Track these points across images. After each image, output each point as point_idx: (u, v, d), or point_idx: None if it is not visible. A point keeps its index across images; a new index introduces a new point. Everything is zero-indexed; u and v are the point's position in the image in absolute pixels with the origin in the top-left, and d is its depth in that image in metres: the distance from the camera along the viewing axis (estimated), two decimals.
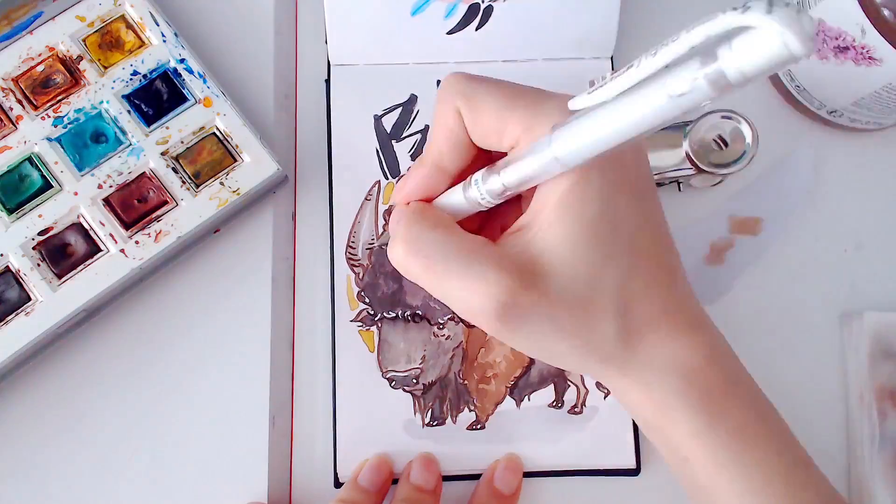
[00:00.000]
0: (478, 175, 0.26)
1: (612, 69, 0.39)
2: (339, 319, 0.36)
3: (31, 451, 0.34)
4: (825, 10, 0.34)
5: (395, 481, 0.34)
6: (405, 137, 0.38)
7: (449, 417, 0.35)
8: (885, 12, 0.31)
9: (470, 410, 0.35)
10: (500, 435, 0.35)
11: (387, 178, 0.37)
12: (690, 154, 0.35)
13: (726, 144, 0.35)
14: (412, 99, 0.38)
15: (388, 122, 0.38)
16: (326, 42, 0.38)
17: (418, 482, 0.34)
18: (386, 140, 0.38)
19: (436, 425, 0.35)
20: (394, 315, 0.36)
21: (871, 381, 0.35)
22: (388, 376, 0.35)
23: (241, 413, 0.35)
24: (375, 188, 0.37)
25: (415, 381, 0.36)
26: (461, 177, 0.27)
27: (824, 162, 0.39)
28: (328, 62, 0.38)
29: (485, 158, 0.27)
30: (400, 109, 0.38)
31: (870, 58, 0.33)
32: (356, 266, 0.36)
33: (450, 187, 0.27)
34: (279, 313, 0.36)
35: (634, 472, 0.35)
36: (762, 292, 0.38)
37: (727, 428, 0.25)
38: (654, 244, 0.26)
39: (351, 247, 0.36)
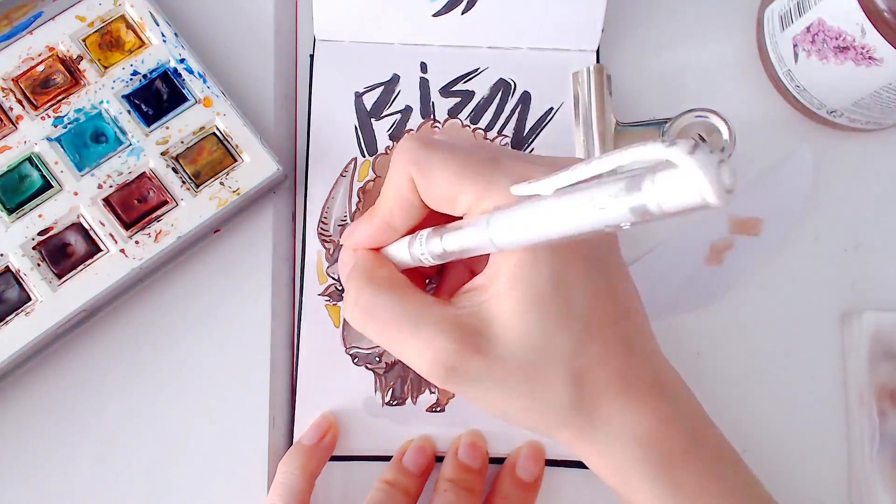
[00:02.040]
0: (423, 234, 0.26)
1: (598, 60, 0.39)
2: (306, 292, 0.36)
3: (31, 451, 0.34)
4: (825, 10, 0.34)
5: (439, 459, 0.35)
6: (385, 116, 0.38)
7: (409, 398, 0.35)
8: (885, 12, 0.31)
9: (431, 392, 0.36)
10: (459, 418, 0.35)
11: (363, 156, 0.37)
12: None
13: (705, 143, 0.35)
14: (394, 79, 0.38)
15: (369, 101, 0.38)
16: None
17: (466, 461, 0.34)
18: (365, 118, 0.38)
19: (395, 405, 0.35)
20: None
21: (871, 381, 0.35)
22: (351, 352, 0.36)
23: (241, 413, 0.35)
24: (352, 165, 0.37)
25: (377, 359, 0.36)
26: (413, 230, 0.28)
27: (824, 162, 0.39)
28: (314, 37, 0.38)
29: (440, 216, 0.27)
30: (381, 88, 0.38)
31: (870, 58, 0.33)
32: (327, 241, 0.36)
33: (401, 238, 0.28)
34: (279, 313, 0.36)
35: None
36: (762, 292, 0.38)
37: (688, 493, 0.25)
38: (610, 311, 0.26)
39: (323, 222, 0.37)
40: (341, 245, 0.30)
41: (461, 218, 0.26)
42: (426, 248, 0.26)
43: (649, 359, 0.27)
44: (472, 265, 0.30)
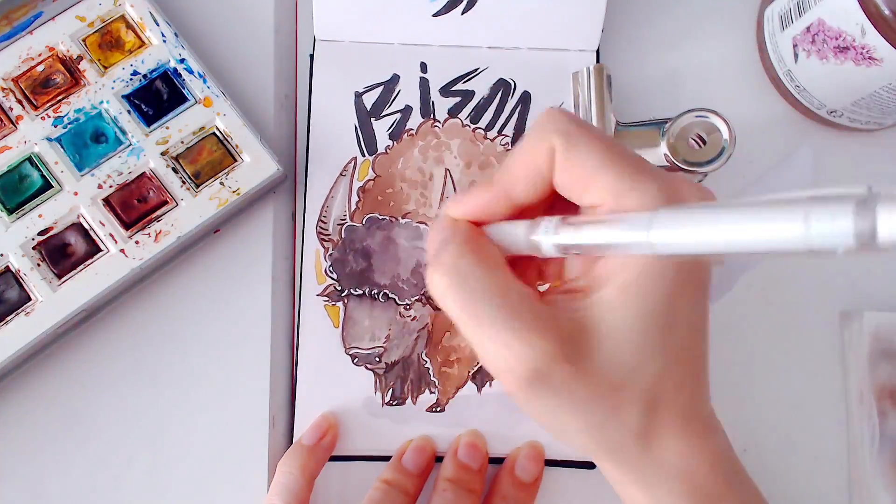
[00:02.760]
0: (549, 222, 0.24)
1: (598, 60, 0.39)
2: (305, 292, 0.36)
3: (31, 451, 0.34)
4: (825, 10, 0.34)
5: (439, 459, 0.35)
6: (385, 116, 0.38)
7: (409, 398, 0.35)
8: (886, 12, 0.31)
9: (431, 392, 0.36)
10: (458, 419, 0.35)
11: (363, 155, 0.37)
12: (668, 153, 0.35)
13: (705, 143, 0.35)
14: (394, 78, 0.38)
15: (369, 100, 0.38)
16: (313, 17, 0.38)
17: (465, 461, 0.34)
18: (365, 117, 0.38)
19: (395, 405, 0.35)
20: (361, 292, 0.36)
21: (871, 381, 0.35)
22: (350, 352, 0.36)
23: (241, 413, 0.35)
24: (351, 164, 0.37)
25: (377, 359, 0.36)
26: (523, 213, 0.26)
27: (824, 162, 0.39)
28: (314, 37, 0.38)
29: (551, 203, 0.26)
30: (381, 88, 0.38)
31: (870, 58, 0.33)
32: (326, 241, 0.36)
33: (508, 219, 0.26)
34: (279, 313, 0.36)
35: (591, 465, 0.35)
36: (762, 292, 0.38)
37: None
38: (694, 347, 0.25)
39: (322, 221, 0.37)
40: (437, 218, 0.27)
41: (576, 210, 0.24)
42: (553, 239, 0.23)
43: (707, 399, 0.26)
44: (544, 266, 0.28)
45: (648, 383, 0.24)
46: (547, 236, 0.24)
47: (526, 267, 0.28)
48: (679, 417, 0.24)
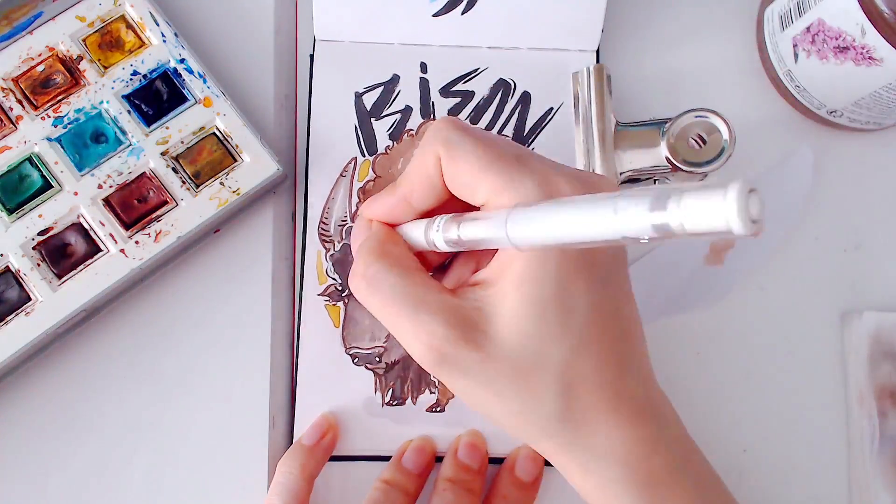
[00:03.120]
0: (441, 219, 0.26)
1: (598, 60, 0.39)
2: (306, 292, 0.36)
3: (31, 451, 0.34)
4: (825, 10, 0.34)
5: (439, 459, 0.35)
6: (385, 116, 0.38)
7: (409, 398, 0.35)
8: (886, 12, 0.31)
9: (431, 392, 0.36)
10: (458, 418, 0.35)
11: (364, 156, 0.37)
12: (668, 153, 0.35)
13: (705, 143, 0.35)
14: (394, 79, 0.38)
15: (369, 101, 0.38)
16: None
17: (465, 461, 0.34)
18: (365, 117, 0.38)
19: (395, 405, 0.35)
20: None
21: (871, 381, 0.35)
22: (351, 352, 0.36)
23: (241, 413, 0.35)
24: (352, 165, 0.37)
25: (378, 359, 0.36)
26: (430, 213, 0.28)
27: (824, 162, 0.39)
28: (314, 37, 0.38)
29: (458, 204, 0.27)
30: (381, 88, 0.38)
31: (870, 58, 0.33)
32: (327, 241, 0.36)
33: (417, 218, 0.28)
34: (279, 313, 0.36)
35: None
36: (762, 292, 0.38)
37: None
38: (609, 329, 0.26)
39: (324, 222, 0.37)
40: (357, 215, 0.30)
41: (478, 209, 0.26)
42: (442, 234, 0.26)
43: (641, 381, 0.27)
44: (479, 260, 0.29)
45: (558, 366, 0.25)
46: (437, 233, 0.26)
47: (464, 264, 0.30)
48: (604, 400, 0.25)
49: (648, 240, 0.18)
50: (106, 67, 0.36)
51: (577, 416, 0.25)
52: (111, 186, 0.34)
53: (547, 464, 0.35)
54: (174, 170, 0.35)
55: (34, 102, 0.35)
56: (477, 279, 0.27)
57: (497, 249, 0.26)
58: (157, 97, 0.35)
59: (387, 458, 0.34)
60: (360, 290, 0.27)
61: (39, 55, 0.35)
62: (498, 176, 0.25)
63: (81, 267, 0.33)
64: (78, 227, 0.34)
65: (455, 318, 0.25)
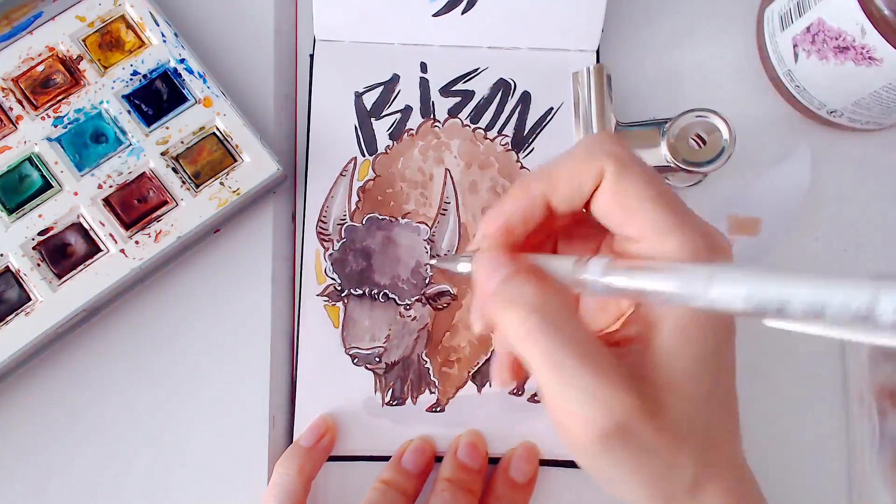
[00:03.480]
0: (599, 262, 0.23)
1: (598, 60, 0.39)
2: (305, 293, 0.36)
3: (31, 451, 0.34)
4: (825, 10, 0.34)
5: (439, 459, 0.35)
6: (385, 116, 0.38)
7: (409, 398, 0.35)
8: (886, 12, 0.31)
9: (431, 392, 0.36)
10: (458, 418, 0.35)
11: (363, 155, 0.37)
12: (667, 153, 0.35)
13: (705, 143, 0.35)
14: (394, 78, 0.38)
15: (369, 100, 0.38)
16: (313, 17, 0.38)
17: (465, 460, 0.34)
18: (365, 117, 0.38)
19: (395, 405, 0.35)
20: (361, 292, 0.36)
21: (871, 381, 0.35)
22: (350, 353, 0.36)
23: (241, 413, 0.35)
24: (351, 164, 0.37)
25: (377, 359, 0.36)
26: (533, 238, 0.25)
27: (824, 162, 0.39)
28: (314, 37, 0.38)
29: (581, 228, 0.26)
30: (381, 88, 0.38)
31: (870, 58, 0.33)
32: (326, 241, 0.36)
33: (535, 238, 0.25)
34: (279, 313, 0.36)
35: None
36: None
37: None
38: (732, 391, 0.25)
39: (322, 221, 0.37)
40: (478, 247, 0.26)
41: (591, 235, 0.25)
42: (604, 278, 0.23)
43: (740, 445, 0.26)
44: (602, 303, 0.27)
45: (703, 432, 0.23)
46: (596, 277, 0.23)
47: None
48: (724, 468, 0.24)
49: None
50: (106, 67, 0.36)
51: (702, 484, 0.24)
52: (111, 186, 0.34)
53: (543, 463, 0.35)
54: (174, 170, 0.35)
55: (34, 102, 0.35)
56: (628, 335, 0.24)
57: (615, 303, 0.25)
58: (157, 97, 0.35)
59: (386, 459, 0.34)
60: (520, 328, 0.23)
61: (39, 55, 0.35)
62: (666, 215, 0.23)
63: (81, 267, 0.33)
64: (78, 227, 0.34)
65: (633, 383, 0.22)
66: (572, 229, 0.27)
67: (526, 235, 0.25)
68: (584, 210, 0.25)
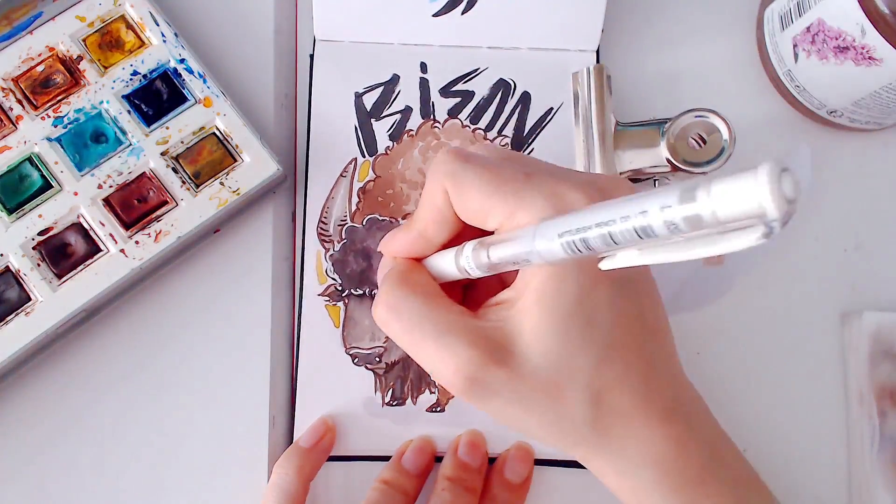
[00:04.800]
0: (468, 247, 0.26)
1: (598, 60, 0.39)
2: (306, 293, 0.36)
3: (31, 451, 0.34)
4: (825, 10, 0.34)
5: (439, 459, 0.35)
6: (385, 116, 0.38)
7: (409, 398, 0.35)
8: (885, 12, 0.31)
9: (431, 392, 0.36)
10: (459, 418, 0.35)
11: (364, 156, 0.37)
12: (667, 153, 0.35)
13: (704, 143, 0.35)
14: (394, 79, 0.38)
15: (369, 101, 0.38)
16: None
17: (465, 459, 0.34)
18: (365, 118, 0.38)
19: (395, 405, 0.35)
20: (361, 292, 0.36)
21: (871, 381, 0.35)
22: (351, 352, 0.36)
23: (241, 413, 0.35)
24: (352, 165, 0.37)
25: (378, 359, 0.36)
26: (447, 245, 0.28)
27: (824, 162, 0.39)
28: (314, 37, 0.38)
29: (474, 231, 0.28)
30: (381, 88, 0.38)
31: (870, 58, 0.33)
32: (327, 241, 0.36)
33: (437, 251, 0.28)
34: (279, 313, 0.36)
35: None
36: (762, 292, 0.38)
37: None
38: (635, 332, 0.26)
39: (323, 222, 0.37)
40: (380, 252, 0.31)
41: (492, 233, 0.26)
42: (472, 260, 0.26)
43: (670, 380, 0.27)
44: (505, 279, 0.29)
45: (586, 376, 0.25)
46: (467, 261, 0.26)
47: (479, 291, 0.30)
48: (632, 404, 0.25)
49: (680, 234, 0.17)
50: (106, 67, 0.36)
51: (608, 422, 0.25)
52: (111, 186, 0.34)
53: (539, 463, 0.35)
54: (174, 170, 0.35)
55: (34, 102, 0.35)
56: (499, 299, 0.26)
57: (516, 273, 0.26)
58: (157, 97, 0.35)
59: (386, 458, 0.34)
60: (381, 317, 0.27)
61: (39, 55, 0.35)
62: (505, 200, 0.25)
63: (81, 267, 0.33)
64: (78, 227, 0.34)
65: (479, 339, 0.25)
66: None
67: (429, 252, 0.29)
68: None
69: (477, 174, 0.26)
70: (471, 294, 0.31)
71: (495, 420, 0.27)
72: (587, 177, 0.26)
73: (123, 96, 0.35)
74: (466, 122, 0.38)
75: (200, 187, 0.35)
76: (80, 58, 0.36)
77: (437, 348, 0.25)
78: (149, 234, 0.34)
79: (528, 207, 0.25)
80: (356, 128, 0.38)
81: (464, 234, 0.28)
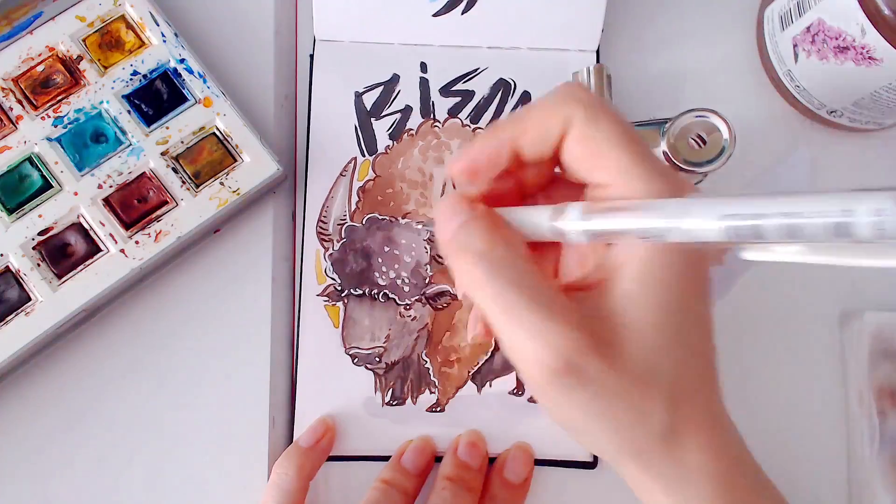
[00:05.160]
0: (575, 209, 0.23)
1: (598, 60, 0.39)
2: (305, 293, 0.36)
3: (31, 451, 0.34)
4: (825, 10, 0.34)
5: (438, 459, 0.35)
6: (385, 116, 0.38)
7: (409, 398, 0.36)
8: (886, 12, 0.31)
9: (431, 392, 0.36)
10: (458, 418, 0.35)
11: (363, 156, 0.37)
12: (668, 152, 0.35)
13: (704, 143, 0.35)
14: (394, 78, 0.38)
15: (369, 100, 0.38)
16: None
17: (465, 459, 0.34)
18: (365, 117, 0.38)
19: (395, 405, 0.35)
20: (361, 292, 0.36)
21: (871, 381, 0.35)
22: (350, 352, 0.36)
23: (241, 413, 0.35)
24: (352, 164, 0.37)
25: (377, 359, 0.36)
26: (499, 198, 0.25)
27: (824, 162, 0.39)
28: (314, 37, 0.38)
29: (541, 178, 0.26)
30: (381, 88, 0.38)
31: (870, 58, 0.33)
32: (326, 241, 0.36)
33: (507, 198, 0.25)
34: (279, 313, 0.36)
35: (591, 465, 0.35)
36: (762, 292, 0.38)
37: None
38: (706, 340, 0.24)
39: (322, 221, 0.37)
40: (444, 195, 0.27)
41: (580, 188, 0.24)
42: (582, 223, 0.23)
43: (721, 397, 0.25)
44: (584, 251, 0.26)
45: (671, 379, 0.23)
46: (574, 222, 0.23)
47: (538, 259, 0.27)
48: (699, 415, 0.24)
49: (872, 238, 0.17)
50: (106, 67, 0.36)
51: (679, 429, 0.23)
52: (111, 186, 0.34)
53: (539, 463, 0.35)
54: (174, 170, 0.35)
55: (34, 102, 0.35)
56: (590, 280, 0.24)
57: (605, 247, 0.24)
58: (157, 97, 0.35)
59: (386, 458, 0.34)
60: (465, 269, 0.23)
61: (39, 55, 0.35)
62: (632, 159, 0.23)
63: (81, 267, 0.33)
64: (78, 227, 0.34)
65: (584, 322, 0.22)
66: (544, 189, 0.27)
67: (492, 180, 0.25)
68: (557, 170, 0.25)
69: (613, 118, 0.23)
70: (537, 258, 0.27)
71: (555, 417, 0.25)
72: (689, 179, 0.24)
73: (123, 96, 0.35)
74: (466, 122, 0.38)
75: (200, 187, 0.35)
76: (80, 58, 0.36)
77: (539, 320, 0.22)
78: (149, 234, 0.34)
79: (649, 180, 0.22)
80: (356, 127, 0.38)
81: (525, 181, 0.25)
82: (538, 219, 0.24)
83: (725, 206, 0.20)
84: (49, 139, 0.35)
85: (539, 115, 0.24)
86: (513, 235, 0.24)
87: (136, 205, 0.34)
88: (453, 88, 0.38)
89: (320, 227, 0.37)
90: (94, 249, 0.34)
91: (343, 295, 0.36)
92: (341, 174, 0.37)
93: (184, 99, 0.35)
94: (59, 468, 0.34)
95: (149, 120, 0.35)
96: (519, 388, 0.36)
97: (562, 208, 0.24)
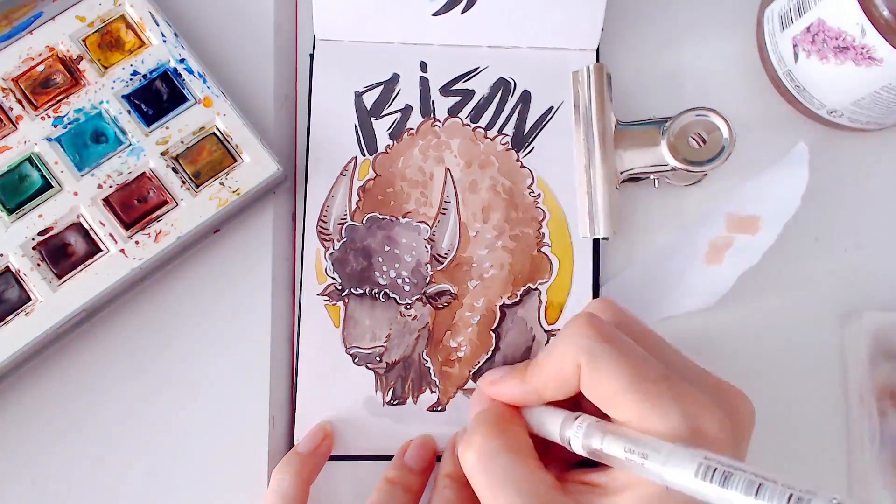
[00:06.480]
0: (583, 422, 0.26)
1: (598, 59, 0.39)
2: (305, 292, 0.36)
3: (31, 452, 0.34)
4: (825, 10, 0.34)
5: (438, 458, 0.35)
6: (385, 115, 0.38)
7: (410, 397, 0.35)
8: (885, 12, 0.31)
9: (431, 392, 0.36)
10: (459, 418, 0.35)
11: (363, 155, 0.37)
12: (668, 152, 0.35)
13: (705, 142, 0.35)
14: (394, 78, 0.38)
15: (369, 100, 0.38)
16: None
17: None
18: (365, 117, 0.38)
19: (396, 404, 0.35)
20: (361, 292, 0.36)
21: (871, 381, 0.35)
22: (351, 352, 0.36)
23: (241, 413, 0.35)
24: (352, 164, 0.37)
25: (378, 359, 0.36)
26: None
27: (824, 162, 0.39)
28: (314, 37, 0.38)
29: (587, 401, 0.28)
30: (381, 87, 0.38)
31: (870, 58, 0.33)
32: (326, 240, 0.36)
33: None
34: (279, 313, 0.36)
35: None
36: (762, 292, 0.38)
37: None
38: None
39: (323, 220, 0.37)
40: (477, 387, 0.31)
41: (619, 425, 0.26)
42: (583, 439, 0.26)
43: None
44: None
45: None
46: (576, 436, 0.26)
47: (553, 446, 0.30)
48: None
49: None
50: (106, 67, 0.36)
51: None
52: (111, 186, 0.34)
53: None
54: (174, 170, 0.35)
55: (34, 102, 0.35)
56: (592, 480, 0.26)
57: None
58: (157, 97, 0.35)
59: (388, 458, 0.34)
60: (470, 463, 0.27)
61: (39, 55, 0.35)
62: (642, 401, 0.25)
63: (81, 267, 0.33)
64: (78, 227, 0.34)
65: None
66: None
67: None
68: None
69: (616, 363, 0.25)
70: (550, 447, 0.30)
71: None
72: (716, 387, 0.27)
73: (123, 96, 0.35)
74: (467, 121, 0.38)
75: (200, 187, 0.35)
76: (80, 58, 0.36)
77: None
78: (149, 234, 0.34)
79: (662, 417, 0.24)
80: (356, 127, 0.38)
81: (573, 399, 0.28)
82: (551, 423, 0.28)
83: (699, 455, 0.22)
84: (49, 139, 0.35)
85: (553, 368, 0.27)
86: (515, 435, 0.28)
87: (136, 205, 0.34)
88: (453, 88, 0.38)
89: (320, 227, 0.37)
90: (94, 249, 0.34)
91: (343, 294, 0.36)
92: (341, 174, 0.37)
93: (184, 99, 0.35)
94: (59, 468, 0.34)
95: (149, 120, 0.35)
96: None
97: (572, 417, 0.27)
